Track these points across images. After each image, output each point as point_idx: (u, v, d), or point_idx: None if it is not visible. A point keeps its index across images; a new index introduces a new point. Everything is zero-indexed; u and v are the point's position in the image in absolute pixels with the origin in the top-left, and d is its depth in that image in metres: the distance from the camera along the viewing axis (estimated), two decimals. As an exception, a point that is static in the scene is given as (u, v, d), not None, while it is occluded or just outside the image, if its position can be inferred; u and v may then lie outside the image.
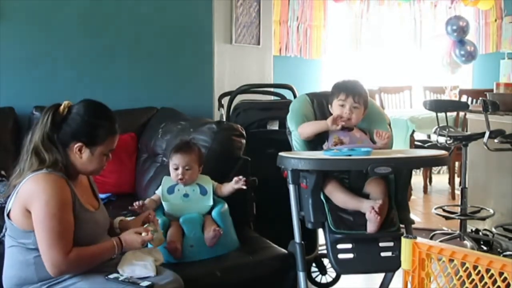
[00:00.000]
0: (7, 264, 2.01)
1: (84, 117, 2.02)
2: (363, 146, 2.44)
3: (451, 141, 3.92)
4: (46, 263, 1.90)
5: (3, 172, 3.21)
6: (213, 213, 2.52)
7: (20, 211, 1.93)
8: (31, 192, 1.91)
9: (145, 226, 2.14)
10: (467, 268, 1.53)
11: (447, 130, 3.90)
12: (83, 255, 1.94)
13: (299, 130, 2.57)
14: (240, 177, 2.53)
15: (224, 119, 3.52)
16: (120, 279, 1.96)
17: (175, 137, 3.05)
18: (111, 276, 1.97)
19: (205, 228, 2.45)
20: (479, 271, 1.51)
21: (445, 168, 6.40)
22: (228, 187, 2.56)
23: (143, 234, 2.04)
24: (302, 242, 2.45)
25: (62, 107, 2.02)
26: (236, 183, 2.52)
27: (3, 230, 2.64)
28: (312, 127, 2.54)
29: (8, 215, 1.98)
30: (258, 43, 4.63)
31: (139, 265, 2.03)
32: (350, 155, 2.30)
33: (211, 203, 2.54)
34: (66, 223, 1.92)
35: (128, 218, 2.30)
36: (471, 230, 4.05)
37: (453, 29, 6.53)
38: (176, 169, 2.51)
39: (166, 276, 2.03)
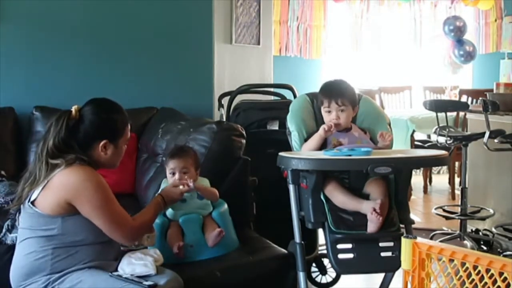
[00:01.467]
0: (20, 254, 2.03)
1: (101, 115, 2.08)
2: (363, 146, 2.43)
3: (451, 141, 3.92)
4: (121, 240, 2.04)
5: (3, 172, 3.21)
6: (213, 213, 2.52)
7: (54, 201, 1.95)
8: (71, 185, 1.95)
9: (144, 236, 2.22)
10: (467, 268, 1.53)
11: (447, 130, 3.90)
12: (142, 220, 2.10)
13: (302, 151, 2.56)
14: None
15: (224, 119, 3.52)
16: (123, 276, 1.98)
17: (175, 137, 3.05)
18: (115, 273, 1.99)
19: (205, 228, 2.45)
20: (479, 271, 1.51)
21: (445, 168, 6.40)
22: None
23: (180, 187, 2.28)
24: (302, 242, 2.45)
25: (73, 111, 2.06)
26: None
27: (3, 230, 2.66)
28: (311, 146, 2.53)
29: (31, 202, 1.99)
30: (258, 43, 4.63)
31: (139, 264, 2.04)
32: (350, 155, 2.30)
33: (210, 208, 2.53)
34: (116, 201, 2.04)
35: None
36: (471, 230, 4.05)
37: (450, 29, 6.53)
38: (173, 174, 2.50)
39: (166, 275, 2.04)
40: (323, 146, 2.53)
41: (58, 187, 1.95)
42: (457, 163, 5.68)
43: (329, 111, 2.56)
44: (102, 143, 2.05)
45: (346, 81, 2.67)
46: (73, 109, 2.06)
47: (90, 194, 1.95)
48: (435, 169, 6.57)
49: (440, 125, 3.96)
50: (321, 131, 2.49)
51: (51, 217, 1.96)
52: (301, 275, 2.43)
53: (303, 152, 2.54)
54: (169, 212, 2.47)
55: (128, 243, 2.09)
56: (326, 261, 3.16)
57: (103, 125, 2.08)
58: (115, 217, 2.00)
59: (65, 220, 1.97)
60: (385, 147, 2.53)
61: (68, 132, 2.02)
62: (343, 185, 2.45)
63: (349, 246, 2.38)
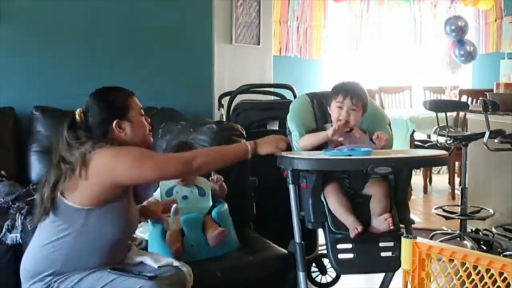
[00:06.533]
0: (35, 246, 2.02)
1: (99, 101, 2.09)
2: (363, 146, 2.43)
3: (451, 141, 3.92)
4: (176, 172, 2.06)
5: (3, 172, 3.21)
6: (213, 213, 2.53)
7: (94, 185, 1.94)
8: (107, 161, 1.94)
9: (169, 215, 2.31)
10: (467, 268, 1.53)
11: (447, 130, 3.90)
12: (201, 151, 2.18)
13: (300, 144, 2.55)
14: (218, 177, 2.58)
15: (224, 119, 3.52)
16: (124, 270, 1.99)
17: (175, 137, 3.05)
18: (114, 270, 1.99)
19: (206, 228, 2.46)
20: (479, 271, 1.51)
21: (445, 168, 6.40)
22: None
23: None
24: (302, 242, 2.45)
25: (77, 116, 2.06)
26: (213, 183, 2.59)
27: (3, 230, 2.66)
28: (312, 141, 2.51)
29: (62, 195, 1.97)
30: (258, 43, 4.63)
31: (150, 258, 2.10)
32: (350, 155, 2.29)
33: (210, 203, 2.55)
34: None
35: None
36: (471, 230, 4.05)
37: (452, 29, 6.53)
38: None
39: (168, 270, 2.06)
40: (324, 145, 2.53)
41: (95, 169, 1.93)
42: (457, 163, 5.68)
43: (341, 107, 2.54)
44: (114, 123, 2.05)
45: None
46: (76, 112, 2.07)
47: (127, 160, 1.95)
48: (435, 169, 6.57)
49: (440, 125, 3.96)
50: (330, 131, 2.48)
51: (77, 209, 1.95)
52: (301, 275, 2.42)
53: (303, 152, 2.54)
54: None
55: (187, 175, 2.13)
56: (326, 261, 3.16)
57: (105, 108, 2.07)
58: (163, 162, 2.00)
59: (89, 213, 1.95)
60: (382, 147, 2.52)
61: (74, 131, 2.01)
62: (342, 189, 2.44)
63: (349, 246, 2.38)
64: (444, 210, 4.25)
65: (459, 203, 4.03)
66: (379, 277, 2.61)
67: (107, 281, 1.95)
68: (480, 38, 7.23)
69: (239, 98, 3.59)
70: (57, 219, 1.98)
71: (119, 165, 1.95)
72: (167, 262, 2.09)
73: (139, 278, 1.95)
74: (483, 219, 4.07)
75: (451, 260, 1.57)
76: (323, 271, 3.21)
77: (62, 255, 1.97)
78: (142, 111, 2.14)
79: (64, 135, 2.00)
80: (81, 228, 1.96)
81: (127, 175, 1.96)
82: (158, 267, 2.05)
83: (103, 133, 2.04)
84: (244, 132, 2.91)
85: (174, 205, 2.31)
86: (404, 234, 2.14)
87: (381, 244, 2.38)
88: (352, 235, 2.32)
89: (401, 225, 2.46)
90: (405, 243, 1.66)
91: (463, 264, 1.54)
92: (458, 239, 3.93)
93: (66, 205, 1.97)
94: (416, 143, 5.52)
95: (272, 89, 4.06)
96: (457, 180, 5.64)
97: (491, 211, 4.05)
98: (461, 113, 5.32)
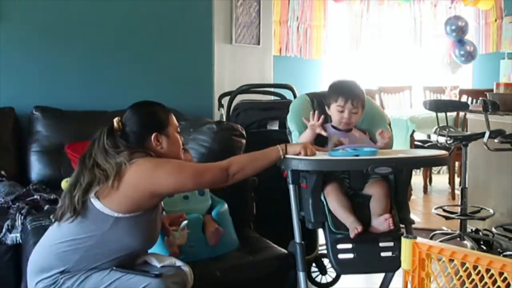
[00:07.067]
0: (49, 241, 2.02)
1: (141, 111, 2.12)
2: (364, 146, 2.43)
3: (451, 141, 3.92)
4: (215, 181, 2.12)
5: (3, 172, 3.21)
6: (213, 213, 2.53)
7: (134, 193, 1.96)
8: (146, 172, 1.97)
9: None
10: (467, 268, 1.53)
11: (447, 130, 3.90)
12: (235, 158, 2.17)
13: None
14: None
15: (224, 119, 3.52)
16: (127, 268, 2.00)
17: (175, 137, 3.05)
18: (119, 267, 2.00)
19: (205, 227, 2.46)
20: (479, 271, 1.51)
21: (445, 168, 6.40)
22: None
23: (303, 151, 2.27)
24: (302, 242, 2.45)
25: (116, 124, 2.06)
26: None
27: (3, 230, 2.66)
28: (306, 138, 2.52)
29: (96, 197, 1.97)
30: (258, 43, 4.63)
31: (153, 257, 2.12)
32: (357, 155, 2.29)
33: (209, 203, 2.56)
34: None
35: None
36: (471, 230, 4.05)
37: (452, 29, 6.53)
38: None
39: (171, 269, 2.08)
40: (321, 143, 2.52)
41: (131, 180, 1.95)
42: (457, 163, 5.68)
43: (342, 111, 2.54)
44: (153, 135, 2.06)
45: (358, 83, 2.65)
46: (115, 121, 2.07)
47: (166, 171, 1.98)
48: (435, 169, 6.56)
49: (440, 125, 3.96)
50: (309, 129, 2.48)
51: (106, 215, 1.95)
52: (301, 275, 2.42)
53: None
54: (170, 211, 2.47)
55: (224, 182, 2.10)
56: (326, 261, 3.16)
57: (146, 119, 2.10)
58: (199, 171, 2.05)
59: (117, 221, 1.96)
60: (384, 145, 2.52)
61: (111, 139, 2.01)
62: (342, 189, 2.44)
63: (349, 246, 2.38)
64: (444, 210, 4.24)
65: (459, 203, 4.02)
66: (379, 277, 2.61)
67: (113, 279, 1.96)
68: (480, 38, 7.22)
69: (239, 98, 3.59)
70: (82, 221, 1.97)
71: (159, 173, 1.97)
72: (170, 262, 2.11)
73: (145, 276, 1.96)
74: (483, 219, 4.07)
75: (451, 260, 1.57)
76: (323, 271, 3.21)
77: (77, 255, 1.97)
78: (179, 129, 2.18)
79: (104, 141, 2.01)
80: (105, 233, 1.96)
81: (167, 183, 2.00)
82: (161, 266, 2.07)
83: (140, 143, 2.06)
84: (244, 132, 2.91)
85: (185, 222, 2.34)
86: (404, 234, 2.14)
87: (381, 244, 2.38)
88: (352, 235, 2.32)
89: (401, 225, 2.46)
90: (405, 243, 1.66)
91: (463, 264, 1.54)
92: (458, 239, 3.92)
93: (96, 209, 1.96)
94: (416, 143, 5.52)
95: (272, 89, 4.06)
96: (457, 180, 5.64)
97: (491, 211, 4.05)
98: (461, 113, 5.31)
